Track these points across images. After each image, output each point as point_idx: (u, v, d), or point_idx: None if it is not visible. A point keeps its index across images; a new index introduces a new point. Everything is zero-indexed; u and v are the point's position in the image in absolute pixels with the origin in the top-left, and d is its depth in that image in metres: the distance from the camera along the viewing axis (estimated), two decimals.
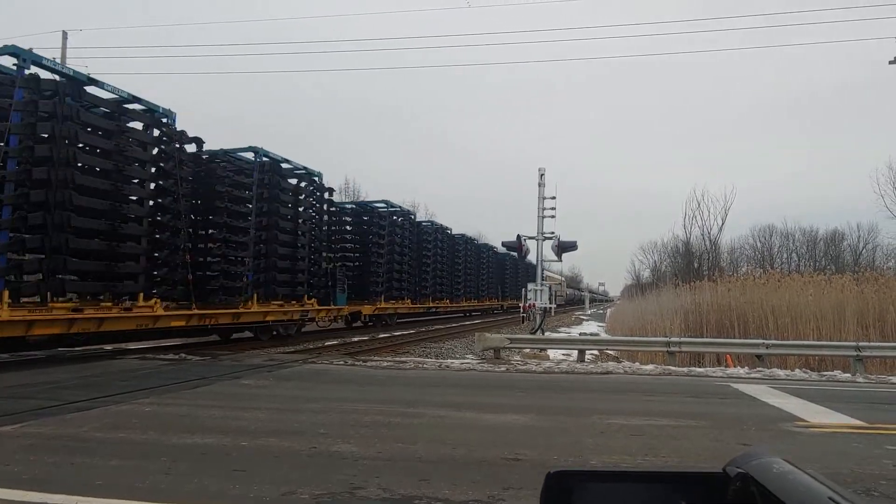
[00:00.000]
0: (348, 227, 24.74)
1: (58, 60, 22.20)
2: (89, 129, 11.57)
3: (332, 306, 19.55)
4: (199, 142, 14.65)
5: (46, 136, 10.48)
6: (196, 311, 13.73)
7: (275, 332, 16.97)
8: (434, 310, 31.41)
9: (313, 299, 18.24)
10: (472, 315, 39.94)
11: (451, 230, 34.65)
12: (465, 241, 37.39)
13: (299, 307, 17.67)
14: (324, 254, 19.92)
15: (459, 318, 36.30)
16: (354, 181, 58.54)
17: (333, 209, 22.77)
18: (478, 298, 39.35)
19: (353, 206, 26.13)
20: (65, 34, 22.99)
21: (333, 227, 22.95)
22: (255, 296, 15.74)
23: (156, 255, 13.09)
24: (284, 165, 17.47)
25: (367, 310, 22.66)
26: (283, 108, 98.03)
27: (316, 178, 18.87)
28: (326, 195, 19.85)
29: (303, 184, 18.56)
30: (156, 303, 12.74)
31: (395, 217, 26.20)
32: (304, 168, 18.42)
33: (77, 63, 24.04)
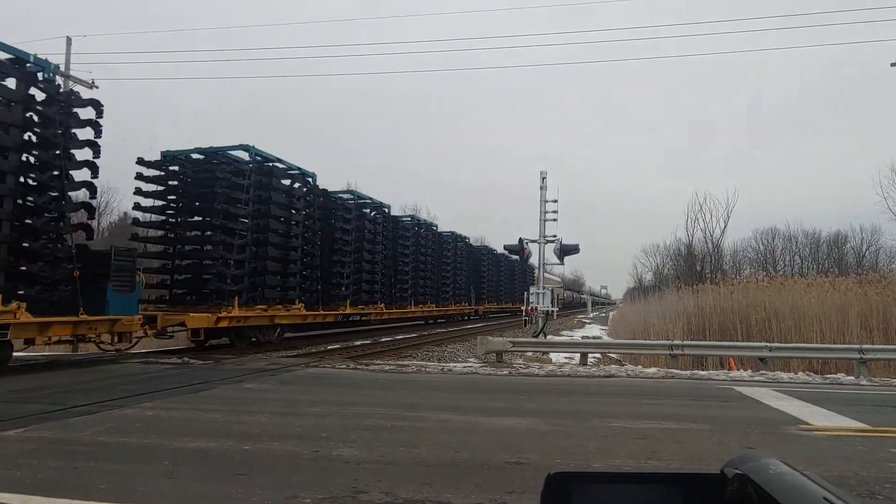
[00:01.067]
0: (174, 192, 16.03)
1: (62, 66, 22.32)
2: None
3: (86, 317, 10.88)
4: None
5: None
6: None
7: None
8: (357, 318, 22.08)
9: (16, 303, 9.92)
10: (433, 324, 30.68)
11: (388, 208, 25.28)
12: (418, 225, 27.81)
13: None
14: (65, 220, 11.21)
15: (411, 328, 27.04)
16: (356, 184, 58.72)
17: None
18: (438, 302, 30.09)
19: (191, 155, 15.97)
20: (69, 40, 23.09)
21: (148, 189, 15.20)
22: None
23: None
24: None
25: (196, 321, 13.61)
26: (284, 111, 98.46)
27: (30, 65, 10.72)
28: (78, 110, 11.58)
29: None
30: None
31: (273, 179, 16.79)
32: None
33: (81, 69, 24.04)
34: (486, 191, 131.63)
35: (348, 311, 20.85)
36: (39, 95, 10.89)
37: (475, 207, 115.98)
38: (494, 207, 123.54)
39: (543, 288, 17.53)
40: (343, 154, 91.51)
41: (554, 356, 15.05)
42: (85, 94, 11.76)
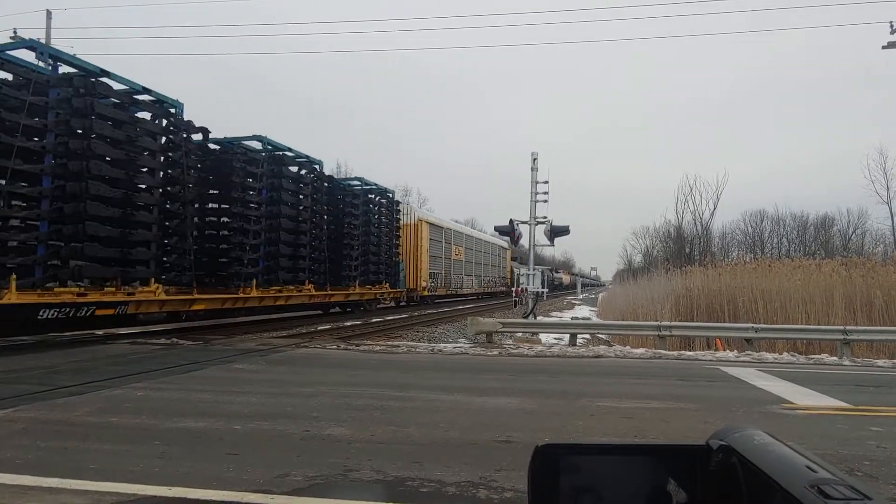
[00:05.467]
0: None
1: (42, 40, 21.81)
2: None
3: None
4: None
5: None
6: None
7: None
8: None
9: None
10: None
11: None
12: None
13: None
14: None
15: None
16: (346, 164, 58.27)
17: None
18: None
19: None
20: (49, 13, 22.53)
21: None
22: None
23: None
24: None
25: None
26: (279, 97, 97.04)
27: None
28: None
29: None
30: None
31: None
32: None
33: (62, 43, 23.51)
34: (479, 172, 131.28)
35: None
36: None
37: (468, 188, 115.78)
38: (486, 189, 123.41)
39: (534, 269, 17.60)
40: (331, 129, 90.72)
41: (543, 337, 15.18)
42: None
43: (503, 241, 47.30)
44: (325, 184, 20.53)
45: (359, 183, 23.61)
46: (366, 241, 22.88)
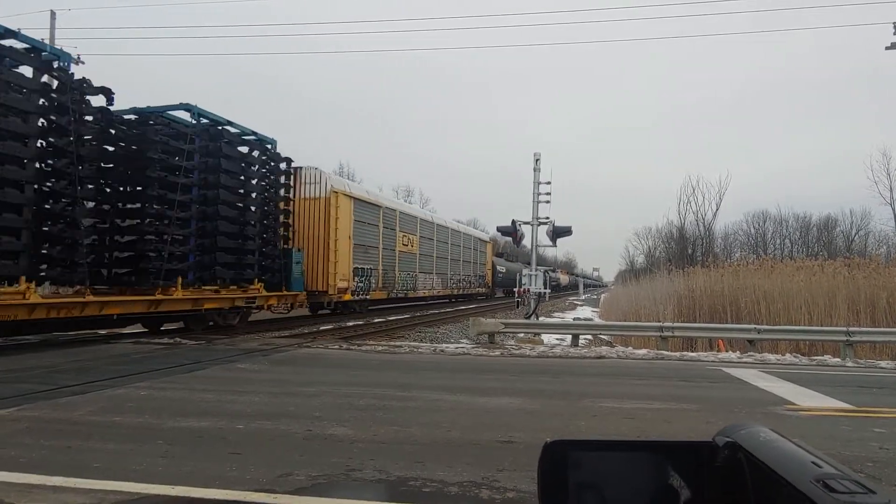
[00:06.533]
0: None
1: (46, 41, 21.87)
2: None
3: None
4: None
5: None
6: None
7: None
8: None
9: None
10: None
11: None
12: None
13: None
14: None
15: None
16: (347, 163, 58.25)
17: None
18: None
19: None
20: (53, 14, 22.62)
21: None
22: None
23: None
24: None
25: None
26: (283, 97, 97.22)
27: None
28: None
29: None
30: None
31: None
32: None
33: (65, 43, 23.56)
34: (482, 172, 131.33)
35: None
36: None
37: (470, 189, 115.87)
38: (489, 189, 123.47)
39: (536, 270, 17.60)
40: (337, 131, 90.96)
41: (545, 337, 15.18)
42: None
43: (482, 234, 42.18)
44: (84, 97, 11.43)
45: (187, 115, 14.00)
46: (210, 214, 14.04)
